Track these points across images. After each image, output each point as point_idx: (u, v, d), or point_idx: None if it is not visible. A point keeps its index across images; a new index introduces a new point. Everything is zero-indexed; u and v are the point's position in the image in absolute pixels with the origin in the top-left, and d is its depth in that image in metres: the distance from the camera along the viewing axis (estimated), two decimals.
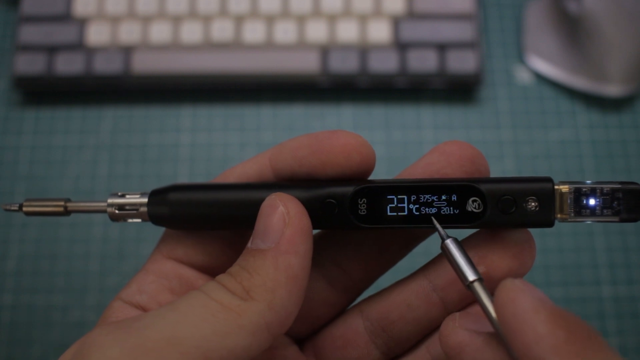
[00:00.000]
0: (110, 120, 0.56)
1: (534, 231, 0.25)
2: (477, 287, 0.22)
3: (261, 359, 0.26)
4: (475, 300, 0.24)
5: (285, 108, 0.56)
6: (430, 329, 0.26)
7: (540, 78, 0.57)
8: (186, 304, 0.22)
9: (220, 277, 0.23)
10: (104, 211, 0.27)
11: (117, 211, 0.26)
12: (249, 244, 0.23)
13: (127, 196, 0.27)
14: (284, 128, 0.55)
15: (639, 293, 0.51)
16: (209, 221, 0.26)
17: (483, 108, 0.56)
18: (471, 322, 0.24)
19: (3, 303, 0.51)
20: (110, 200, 0.27)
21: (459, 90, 0.56)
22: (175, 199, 0.26)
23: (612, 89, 0.54)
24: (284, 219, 0.23)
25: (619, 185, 0.24)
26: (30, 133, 0.55)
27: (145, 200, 0.26)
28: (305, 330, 0.28)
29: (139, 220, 0.26)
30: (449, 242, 0.24)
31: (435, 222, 0.24)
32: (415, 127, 0.55)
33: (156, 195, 0.26)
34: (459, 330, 0.23)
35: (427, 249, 0.29)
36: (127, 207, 0.26)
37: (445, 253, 0.24)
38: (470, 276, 0.23)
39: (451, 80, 0.54)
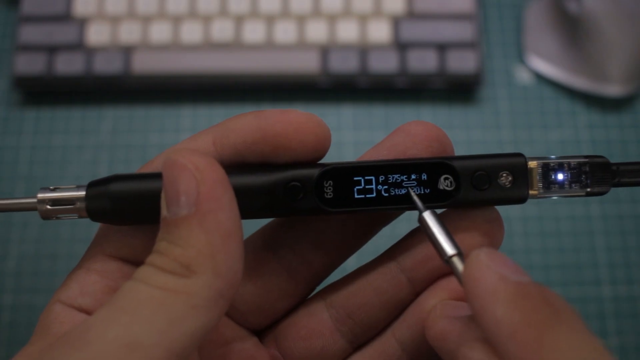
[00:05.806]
0: (110, 120, 0.56)
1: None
2: (456, 261, 0.22)
3: (218, 354, 0.26)
4: (444, 275, 0.24)
5: (286, 108, 0.56)
6: (397, 312, 0.25)
7: (540, 78, 0.57)
8: (131, 300, 0.20)
9: (152, 259, 0.21)
10: (34, 209, 0.23)
11: (49, 207, 0.23)
12: (164, 213, 0.21)
13: (61, 189, 0.23)
14: None
15: (639, 293, 0.51)
16: (158, 214, 0.22)
17: (483, 108, 0.56)
18: (451, 308, 0.23)
19: (3, 303, 0.51)
20: (40, 196, 0.23)
21: (459, 90, 0.56)
22: (117, 190, 0.23)
23: (612, 89, 0.54)
24: (194, 177, 0.20)
25: (586, 159, 0.24)
26: (30, 133, 0.55)
27: (82, 193, 0.23)
28: (265, 321, 0.27)
29: (75, 216, 0.24)
30: (427, 215, 0.23)
31: (412, 193, 0.24)
32: None
33: (95, 187, 0.23)
34: (439, 320, 0.23)
35: (392, 231, 0.28)
36: (62, 202, 0.23)
37: (424, 226, 0.23)
38: (450, 250, 0.22)
39: (451, 80, 0.54)
